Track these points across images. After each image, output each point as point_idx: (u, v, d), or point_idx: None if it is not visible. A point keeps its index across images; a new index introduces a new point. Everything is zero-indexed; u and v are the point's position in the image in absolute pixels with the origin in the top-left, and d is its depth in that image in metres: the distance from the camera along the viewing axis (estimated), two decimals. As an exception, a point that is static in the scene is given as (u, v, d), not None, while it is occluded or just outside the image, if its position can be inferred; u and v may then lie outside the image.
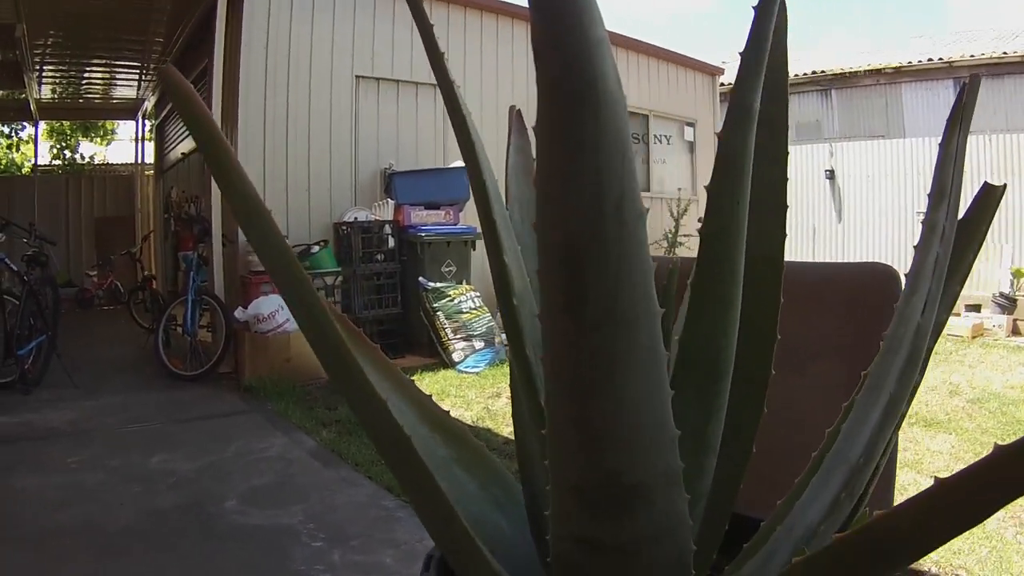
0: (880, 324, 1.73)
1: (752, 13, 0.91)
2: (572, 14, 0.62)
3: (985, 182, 1.26)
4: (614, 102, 0.64)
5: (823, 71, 17.07)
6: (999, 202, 1.25)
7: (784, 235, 1.08)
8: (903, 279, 1.15)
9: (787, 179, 1.08)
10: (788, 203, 1.08)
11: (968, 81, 1.20)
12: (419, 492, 0.94)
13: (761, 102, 1.03)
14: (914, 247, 1.14)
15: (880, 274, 1.76)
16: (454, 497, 0.91)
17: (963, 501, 0.68)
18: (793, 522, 1.04)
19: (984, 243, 1.26)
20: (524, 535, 1.14)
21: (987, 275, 13.10)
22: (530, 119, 1.45)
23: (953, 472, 0.66)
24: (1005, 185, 1.27)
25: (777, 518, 1.09)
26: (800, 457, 1.23)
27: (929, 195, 1.15)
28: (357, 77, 10.35)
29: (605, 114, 0.63)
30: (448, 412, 1.23)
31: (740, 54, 0.92)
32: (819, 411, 1.55)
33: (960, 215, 1.21)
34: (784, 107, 1.08)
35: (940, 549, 3.88)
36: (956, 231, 1.17)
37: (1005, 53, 14.68)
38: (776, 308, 1.07)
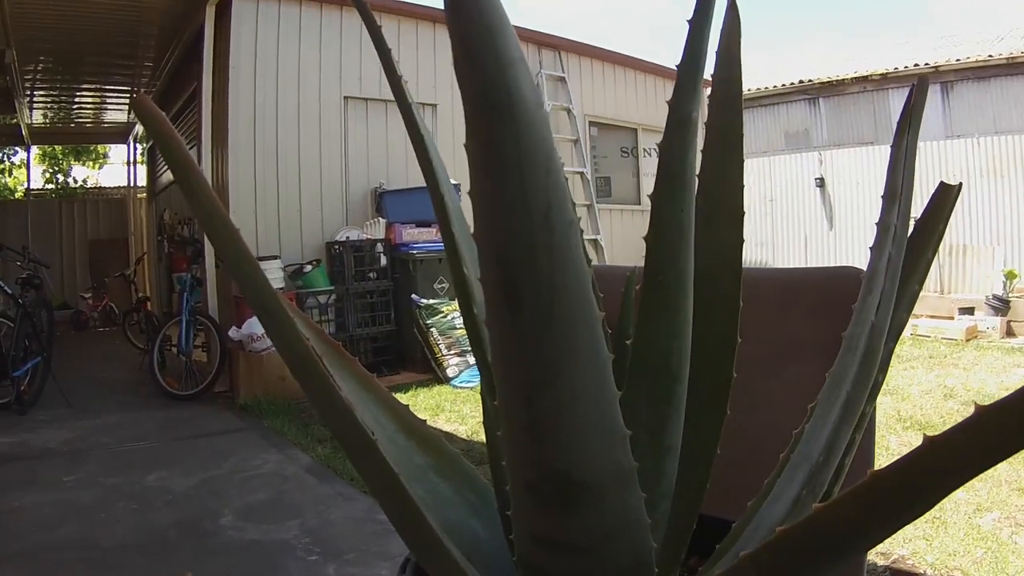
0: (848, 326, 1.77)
1: (687, 26, 0.95)
2: (486, 36, 0.65)
3: (941, 182, 1.29)
4: (532, 117, 0.67)
5: (810, 80, 17.17)
6: (955, 201, 1.28)
7: (741, 241, 1.11)
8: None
9: (743, 187, 1.11)
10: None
11: (916, 83, 1.23)
12: (388, 497, 0.97)
13: (714, 112, 1.07)
14: (869, 248, 1.17)
15: (849, 277, 1.78)
16: (429, 503, 0.94)
17: (897, 493, 0.71)
18: (759, 522, 1.07)
19: (940, 243, 1.28)
20: (500, 540, 1.17)
21: (980, 277, 13.15)
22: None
23: None
24: (960, 184, 1.30)
25: (747, 519, 1.12)
26: (773, 459, 1.26)
27: (882, 196, 1.18)
28: (345, 98, 10.39)
29: (525, 129, 0.66)
30: (424, 421, 1.26)
31: (676, 66, 0.96)
32: (793, 414, 1.58)
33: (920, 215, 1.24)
34: (738, 116, 1.11)
35: (936, 550, 3.91)
36: (914, 231, 1.20)
37: (990, 56, 14.79)
38: (736, 312, 1.10)
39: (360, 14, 1.01)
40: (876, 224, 1.18)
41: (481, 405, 1.30)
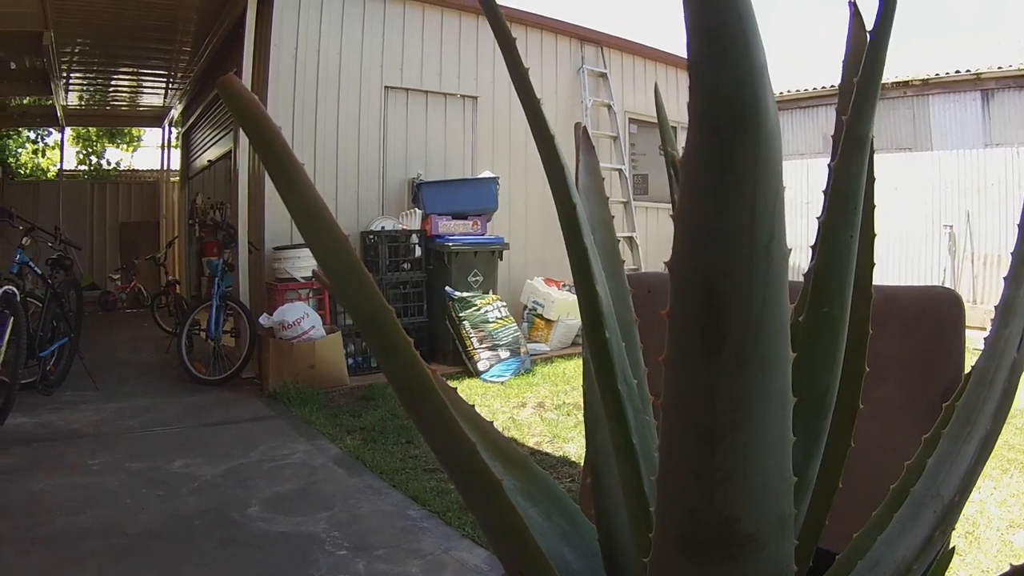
0: (941, 349, 1.70)
1: (868, 38, 0.87)
2: (736, 36, 0.57)
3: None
4: (774, 135, 0.59)
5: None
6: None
7: (873, 264, 1.04)
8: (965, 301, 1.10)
9: (875, 206, 1.04)
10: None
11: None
12: (506, 537, 0.90)
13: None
14: (1004, 278, 1.09)
15: (941, 298, 1.72)
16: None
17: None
18: (878, 557, 1.00)
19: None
20: (594, 569, 1.10)
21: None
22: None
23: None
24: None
25: (857, 551, 1.05)
26: (865, 486, 1.19)
27: (1020, 225, 1.10)
28: (386, 88, 10.34)
29: (765, 148, 0.59)
30: (511, 440, 1.20)
31: (855, 81, 0.88)
32: (880, 437, 1.51)
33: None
34: (869, 132, 1.04)
35: (969, 566, 3.83)
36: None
37: (1035, 64, 14.59)
38: (866, 340, 1.04)
39: (489, 20, 0.93)
40: (1012, 253, 1.10)
41: (584, 432, 1.23)
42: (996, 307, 1.08)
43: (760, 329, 0.64)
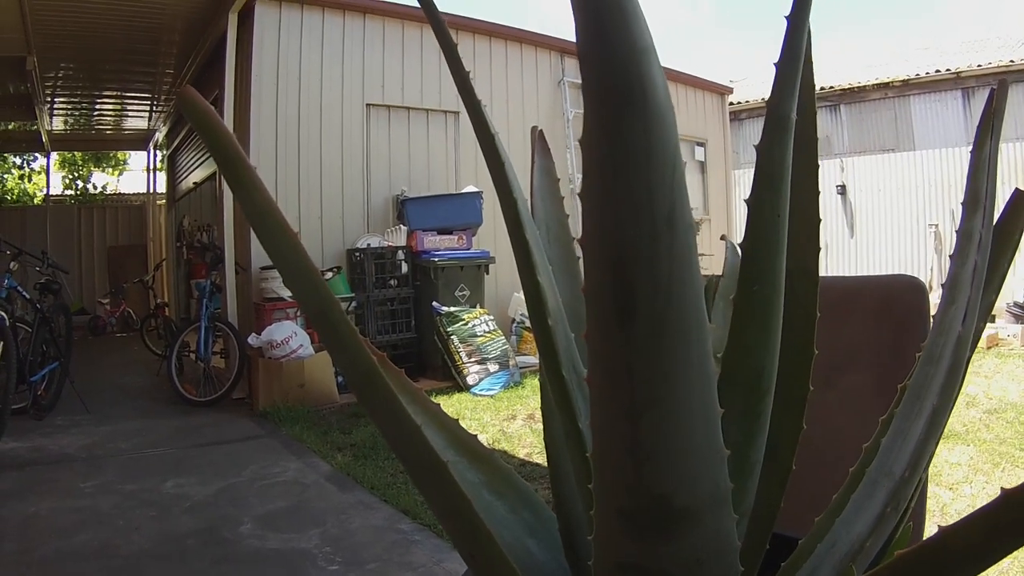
0: (908, 335, 1.73)
1: (785, 23, 0.89)
2: (618, 20, 0.59)
3: (1016, 188, 1.24)
4: (664, 111, 0.61)
5: (832, 86, 17.06)
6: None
7: (818, 248, 1.06)
8: (927, 288, 1.13)
9: (819, 192, 1.06)
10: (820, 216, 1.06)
11: (997, 86, 1.18)
12: (455, 518, 0.92)
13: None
14: (949, 256, 1.12)
15: (906, 286, 1.74)
16: (486, 521, 0.89)
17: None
18: (835, 538, 1.02)
19: (1016, 250, 1.23)
20: (557, 560, 1.12)
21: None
22: (551, 142, 1.44)
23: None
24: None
25: (817, 535, 1.07)
26: (833, 472, 1.21)
27: (963, 203, 1.12)
28: (368, 105, 10.38)
29: (656, 123, 0.61)
30: (475, 436, 1.21)
31: (775, 64, 0.90)
32: (850, 424, 1.53)
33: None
34: (813, 120, 1.06)
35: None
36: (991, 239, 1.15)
37: (1012, 61, 14.65)
38: (813, 322, 1.05)
39: (434, 30, 0.96)
40: (957, 231, 1.12)
41: (542, 422, 1.25)
42: (943, 285, 1.11)
43: (670, 301, 0.65)
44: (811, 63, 1.06)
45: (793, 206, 0.99)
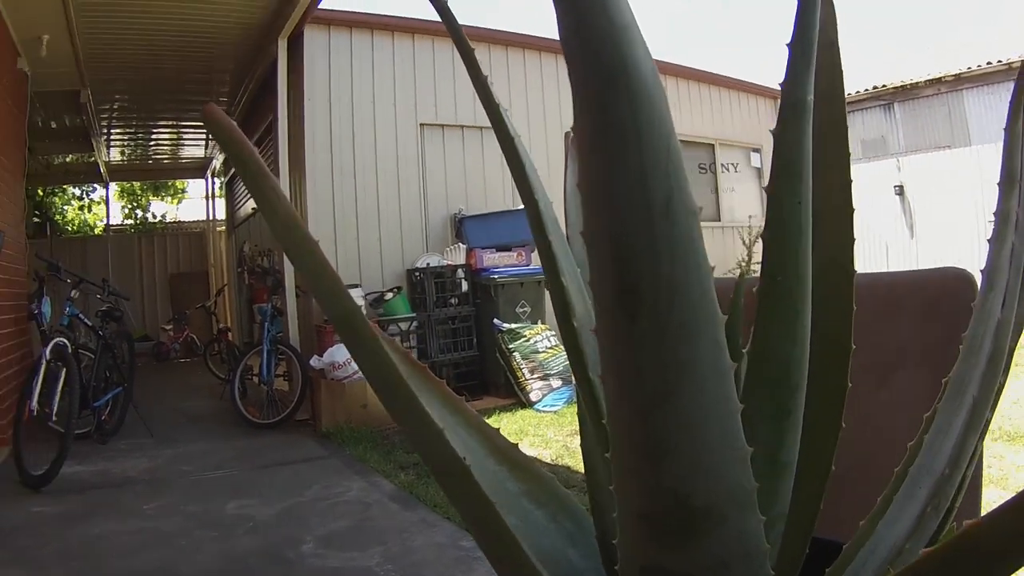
0: (959, 329, 1.67)
1: (796, 2, 0.87)
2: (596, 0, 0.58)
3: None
4: (650, 89, 0.60)
5: (884, 85, 16.84)
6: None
7: (853, 239, 1.03)
8: (979, 280, 1.09)
9: (851, 181, 1.04)
10: (855, 206, 1.03)
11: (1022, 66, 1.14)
12: (481, 525, 0.91)
13: (816, 104, 0.98)
14: (987, 240, 1.08)
15: (954, 278, 1.70)
16: (522, 531, 0.88)
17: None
18: (877, 542, 0.99)
19: None
20: (597, 568, 1.10)
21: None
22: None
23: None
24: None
25: (860, 539, 1.04)
26: (886, 474, 1.17)
27: (999, 183, 1.09)
28: (421, 124, 10.43)
29: (641, 103, 0.59)
30: (516, 445, 1.20)
31: (787, 46, 0.88)
32: (903, 424, 1.49)
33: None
34: (841, 107, 1.03)
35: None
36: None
37: (1066, 50, 14.34)
38: (850, 316, 1.02)
39: (453, 39, 0.95)
40: (994, 214, 1.09)
41: (579, 427, 1.23)
42: (982, 271, 1.07)
43: (674, 292, 0.64)
44: (838, 49, 1.03)
45: (822, 196, 0.97)
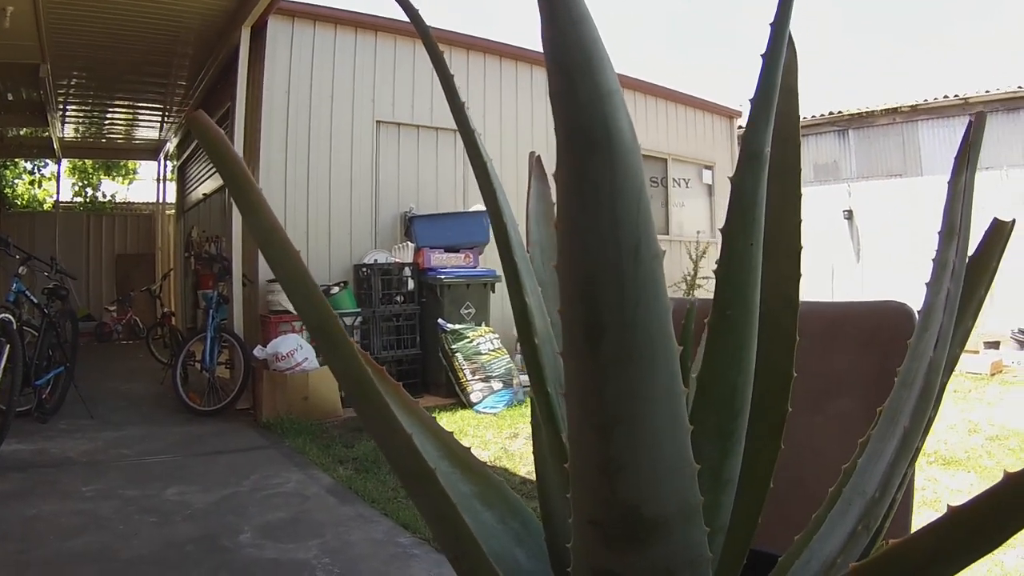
0: (896, 361, 1.74)
1: (760, 61, 0.94)
2: (585, 67, 0.64)
3: (994, 218, 1.28)
4: (628, 151, 0.66)
5: (840, 111, 17.09)
6: (1009, 237, 1.27)
7: (799, 276, 1.10)
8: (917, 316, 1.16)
9: (801, 221, 1.11)
10: (803, 244, 1.09)
11: (974, 119, 1.22)
12: (442, 523, 0.96)
13: (773, 147, 1.05)
14: (925, 284, 1.16)
15: (895, 312, 1.77)
16: (475, 530, 0.93)
17: (976, 527, 0.69)
18: (810, 556, 1.06)
19: (993, 279, 1.27)
20: (543, 569, 1.15)
21: (1006, 312, 13.01)
22: (549, 164, 1.48)
23: None
24: (1014, 220, 1.29)
25: (794, 553, 1.11)
26: (820, 494, 1.24)
27: (939, 233, 1.16)
28: (378, 122, 10.44)
29: (620, 163, 0.66)
30: (469, 448, 1.25)
31: (749, 100, 0.95)
32: (838, 448, 1.56)
33: (970, 252, 1.22)
34: (796, 150, 1.10)
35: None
36: (967, 268, 1.19)
37: (1020, 87, 14.65)
38: (792, 347, 1.09)
39: (424, 44, 1.00)
40: (933, 260, 1.16)
41: (531, 436, 1.29)
42: (919, 311, 1.14)
43: (636, 327, 0.70)
44: (796, 96, 1.10)
45: (775, 235, 1.04)
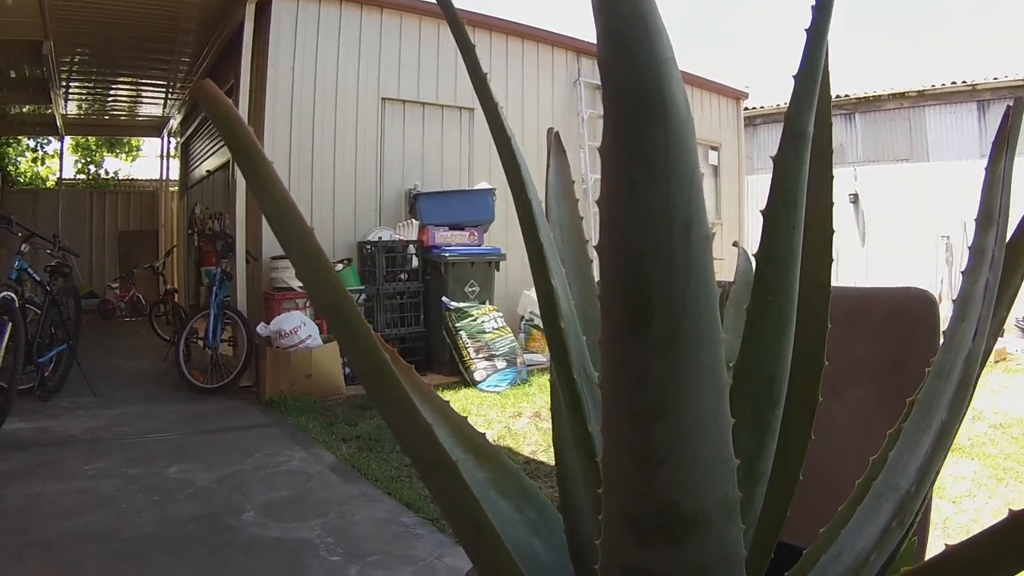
0: (915, 348, 1.72)
1: (805, 35, 0.89)
2: (640, 31, 0.60)
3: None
4: (684, 122, 0.62)
5: (847, 95, 17.02)
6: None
7: (831, 260, 1.06)
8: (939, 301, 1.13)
9: (832, 204, 1.07)
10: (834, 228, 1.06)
11: (1013, 103, 1.17)
12: (462, 517, 0.92)
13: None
14: (961, 272, 1.12)
15: (916, 299, 1.74)
16: (493, 521, 0.90)
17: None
18: (840, 550, 1.02)
19: None
20: (562, 561, 1.12)
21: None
22: (566, 142, 1.44)
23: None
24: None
25: (821, 546, 1.07)
26: (835, 482, 1.21)
27: (976, 220, 1.12)
28: (383, 99, 10.39)
29: (675, 134, 0.62)
30: (484, 434, 1.22)
31: (793, 77, 0.90)
32: (854, 435, 1.53)
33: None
34: (828, 131, 1.06)
35: None
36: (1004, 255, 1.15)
37: (1029, 73, 14.59)
38: (824, 333, 1.05)
39: (450, 27, 0.96)
40: (969, 248, 1.12)
41: (552, 423, 1.25)
42: (954, 300, 1.11)
43: (685, 310, 0.66)
44: (828, 77, 1.06)
45: (811, 218, 0.99)
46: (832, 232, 1.07)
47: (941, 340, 1.10)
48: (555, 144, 1.40)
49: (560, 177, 1.37)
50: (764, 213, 0.93)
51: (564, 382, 0.99)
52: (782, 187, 0.92)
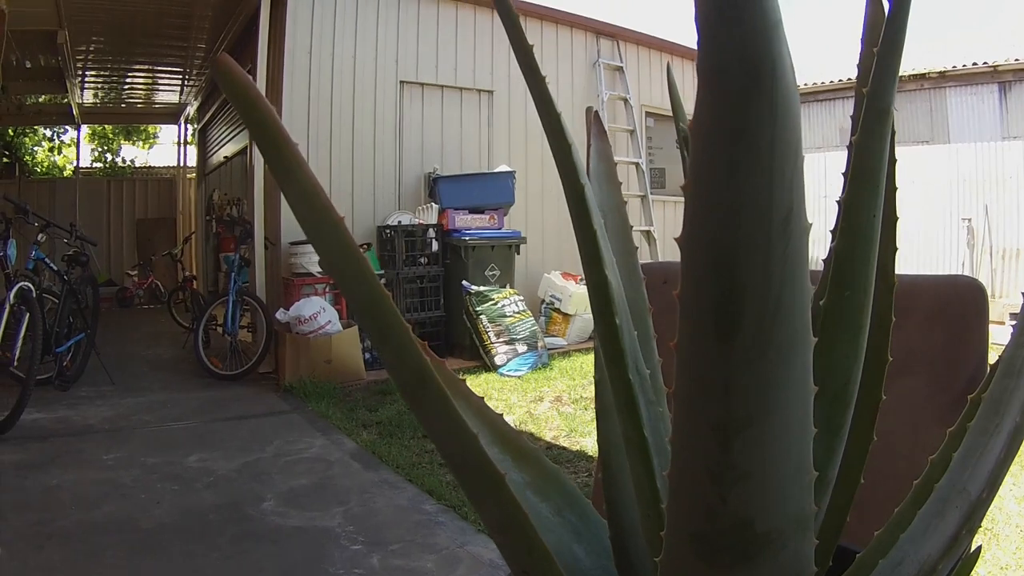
0: (966, 339, 1.66)
1: (888, 7, 0.82)
2: None
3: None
4: (792, 97, 0.54)
5: (866, 75, 16.82)
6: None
7: (896, 248, 0.99)
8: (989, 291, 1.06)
9: (896, 188, 1.00)
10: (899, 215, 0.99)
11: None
12: (510, 534, 0.86)
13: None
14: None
15: (966, 287, 1.67)
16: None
17: None
18: (902, 556, 0.95)
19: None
20: (604, 567, 1.06)
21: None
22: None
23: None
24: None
25: (879, 550, 1.00)
26: (884, 480, 1.15)
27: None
28: (402, 82, 10.35)
29: (782, 109, 0.54)
30: (521, 433, 1.16)
31: (875, 51, 0.83)
32: (902, 430, 1.47)
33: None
34: (892, 108, 0.99)
35: (988, 563, 3.73)
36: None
37: (1052, 57, 14.40)
38: (889, 327, 0.99)
39: (499, 12, 0.89)
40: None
41: (596, 424, 1.19)
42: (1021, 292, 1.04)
43: (778, 313, 0.59)
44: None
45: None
46: (897, 218, 1.00)
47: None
48: (596, 124, 1.32)
49: (602, 160, 1.29)
50: (842, 202, 0.86)
51: (619, 384, 0.92)
52: (862, 172, 0.84)
